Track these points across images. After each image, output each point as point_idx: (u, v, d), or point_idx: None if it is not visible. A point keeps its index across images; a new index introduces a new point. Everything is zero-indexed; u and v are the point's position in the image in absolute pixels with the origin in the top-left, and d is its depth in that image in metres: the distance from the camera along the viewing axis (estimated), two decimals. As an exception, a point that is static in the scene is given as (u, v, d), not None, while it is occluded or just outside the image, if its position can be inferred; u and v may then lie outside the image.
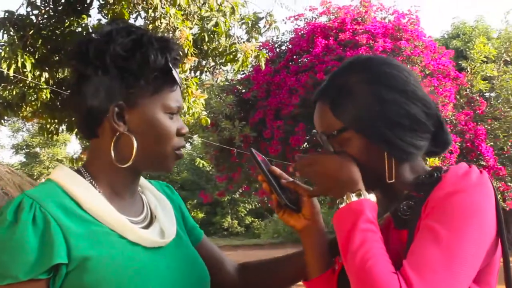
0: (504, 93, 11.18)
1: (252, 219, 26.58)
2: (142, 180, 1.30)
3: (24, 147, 30.16)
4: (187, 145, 23.34)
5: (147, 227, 1.19)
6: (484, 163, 9.51)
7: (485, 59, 11.16)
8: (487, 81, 11.03)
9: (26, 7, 5.29)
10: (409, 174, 1.17)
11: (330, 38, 10.32)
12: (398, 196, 1.17)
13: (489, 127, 10.83)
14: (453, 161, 9.06)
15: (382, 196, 1.21)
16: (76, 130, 6.02)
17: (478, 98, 11.00)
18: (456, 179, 1.05)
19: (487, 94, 12.49)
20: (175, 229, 1.24)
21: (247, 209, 26.18)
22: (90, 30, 5.45)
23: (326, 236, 1.26)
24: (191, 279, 1.19)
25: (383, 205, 1.20)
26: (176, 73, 1.17)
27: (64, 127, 6.26)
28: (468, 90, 10.95)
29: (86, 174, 1.16)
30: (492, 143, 10.57)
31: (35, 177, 25.61)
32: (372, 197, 1.10)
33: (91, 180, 1.15)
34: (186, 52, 5.22)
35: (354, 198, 1.08)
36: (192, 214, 25.50)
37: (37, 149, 29.72)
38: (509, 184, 10.31)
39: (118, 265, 1.05)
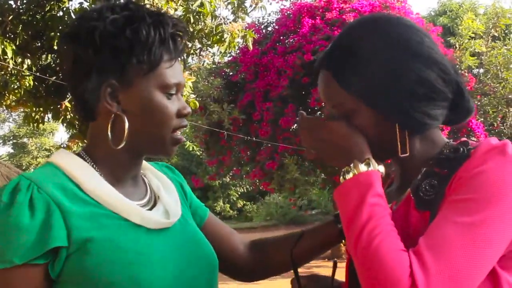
0: (493, 69, 11.16)
1: (244, 202, 26.60)
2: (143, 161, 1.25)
3: (11, 137, 29.92)
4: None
5: (151, 209, 1.14)
6: (475, 139, 9.52)
7: (473, 35, 11.13)
8: (475, 57, 11.01)
9: (5, -8, 5.15)
10: (427, 146, 1.06)
11: (317, 17, 10.22)
12: (418, 171, 1.05)
13: (478, 103, 10.84)
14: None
15: (399, 171, 1.12)
16: (62, 118, 5.91)
17: (467, 74, 10.98)
18: (486, 155, 0.93)
19: (475, 70, 12.49)
20: (180, 210, 1.19)
21: (239, 193, 26.18)
22: (72, 14, 5.31)
23: None
24: (197, 262, 1.14)
25: (400, 181, 1.11)
26: (173, 46, 1.10)
27: (49, 115, 6.14)
28: (457, 66, 10.92)
29: (87, 157, 1.11)
30: (482, 119, 10.58)
31: (24, 168, 25.44)
32: (381, 168, 1.00)
33: (92, 164, 1.10)
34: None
35: (362, 167, 0.97)
36: (184, 199, 25.48)
37: (25, 140, 29.52)
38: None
39: (121, 247, 1.01)
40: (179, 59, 1.13)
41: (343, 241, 1.23)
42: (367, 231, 0.89)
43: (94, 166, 1.10)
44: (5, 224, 0.95)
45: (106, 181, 1.09)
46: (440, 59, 1.02)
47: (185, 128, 1.17)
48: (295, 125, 9.83)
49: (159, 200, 1.18)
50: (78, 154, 1.13)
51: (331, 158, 1.06)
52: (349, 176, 0.98)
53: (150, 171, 1.27)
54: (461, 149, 0.99)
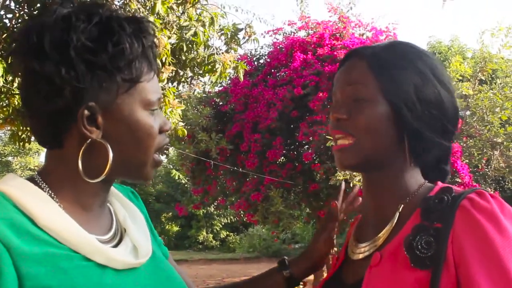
0: (479, 112, 11.30)
1: (227, 233, 26.37)
2: None
3: (-4, 156, 29.60)
4: (163, 157, 23.14)
5: (117, 245, 0.99)
6: (459, 180, 9.58)
7: (460, 78, 11.30)
8: (462, 99, 11.16)
9: None
10: (408, 182, 1.06)
11: (309, 52, 10.33)
12: (394, 207, 1.04)
13: (464, 145, 10.94)
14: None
15: (372, 206, 1.10)
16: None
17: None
18: (486, 217, 0.92)
19: (462, 112, 12.65)
20: (150, 246, 1.05)
21: (222, 223, 25.97)
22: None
23: None
24: None
25: (375, 218, 1.09)
26: (152, 56, 0.98)
27: (36, 135, 6.09)
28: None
29: (43, 183, 0.95)
30: (467, 161, 10.67)
31: (6, 187, 25.07)
32: None
33: (49, 191, 0.94)
34: (164, 61, 5.15)
35: None
36: (167, 227, 25.24)
37: (9, 158, 29.21)
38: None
39: None
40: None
41: None
42: None
43: (52, 193, 0.94)
44: None
45: (65, 212, 0.92)
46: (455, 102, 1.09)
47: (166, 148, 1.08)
48: (282, 157, 9.85)
49: (126, 234, 1.03)
50: (32, 179, 0.96)
51: None
52: None
53: (115, 197, 1.11)
54: (445, 197, 0.98)
